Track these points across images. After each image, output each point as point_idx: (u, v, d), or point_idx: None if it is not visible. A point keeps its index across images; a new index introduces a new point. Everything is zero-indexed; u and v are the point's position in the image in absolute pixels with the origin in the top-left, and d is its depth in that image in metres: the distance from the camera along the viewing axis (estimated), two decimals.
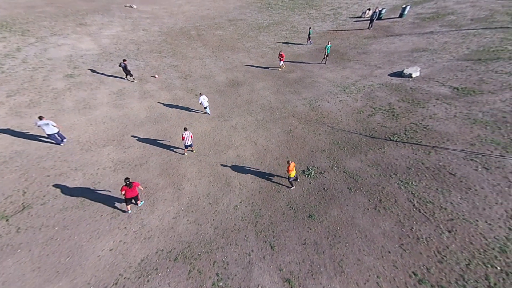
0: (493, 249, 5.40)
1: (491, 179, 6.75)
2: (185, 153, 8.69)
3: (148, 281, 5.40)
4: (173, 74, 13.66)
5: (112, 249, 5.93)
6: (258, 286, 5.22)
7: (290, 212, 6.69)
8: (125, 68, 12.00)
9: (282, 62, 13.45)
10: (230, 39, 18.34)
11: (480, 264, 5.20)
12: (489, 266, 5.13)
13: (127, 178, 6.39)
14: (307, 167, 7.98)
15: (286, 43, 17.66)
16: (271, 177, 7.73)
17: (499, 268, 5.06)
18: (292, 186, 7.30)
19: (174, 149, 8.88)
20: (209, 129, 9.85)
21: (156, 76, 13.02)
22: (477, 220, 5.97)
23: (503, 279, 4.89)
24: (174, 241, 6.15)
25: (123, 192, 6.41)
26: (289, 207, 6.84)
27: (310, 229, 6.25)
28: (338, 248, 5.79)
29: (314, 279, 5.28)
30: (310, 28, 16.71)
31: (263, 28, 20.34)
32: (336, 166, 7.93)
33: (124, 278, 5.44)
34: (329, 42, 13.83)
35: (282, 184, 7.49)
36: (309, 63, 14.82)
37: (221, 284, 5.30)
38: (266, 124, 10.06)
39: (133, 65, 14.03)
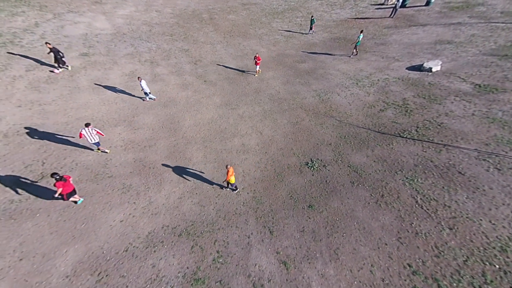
0: (494, 248, 5.36)
1: (502, 180, 6.54)
2: (98, 151, 7.92)
3: (154, 251, 5.83)
4: (183, 59, 13.64)
5: (123, 221, 6.39)
6: (255, 265, 5.52)
7: (290, 201, 6.85)
8: (56, 53, 10.44)
9: (258, 67, 11.98)
10: (243, 25, 17.87)
11: (478, 261, 5.21)
12: (487, 264, 5.14)
13: (55, 173, 5.86)
14: (311, 159, 8.00)
15: (300, 32, 16.99)
16: (274, 167, 7.84)
17: (497, 266, 5.06)
18: (236, 189, 7.12)
19: (181, 134, 9.13)
20: (216, 116, 9.96)
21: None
22: (480, 220, 5.89)
23: (501, 277, 4.90)
24: (179, 219, 6.52)
25: (60, 189, 5.90)
26: (290, 196, 6.98)
27: (309, 218, 6.40)
28: (335, 237, 5.95)
29: (309, 263, 5.50)
30: (312, 16, 15.82)
31: (277, 14, 19.58)
32: (340, 160, 7.90)
33: (133, 247, 5.89)
34: (361, 32, 12.47)
35: (284, 175, 7.60)
36: (322, 53, 14.30)
37: (221, 260, 5.64)
38: (273, 115, 10.03)
39: (144, 47, 14.11)
